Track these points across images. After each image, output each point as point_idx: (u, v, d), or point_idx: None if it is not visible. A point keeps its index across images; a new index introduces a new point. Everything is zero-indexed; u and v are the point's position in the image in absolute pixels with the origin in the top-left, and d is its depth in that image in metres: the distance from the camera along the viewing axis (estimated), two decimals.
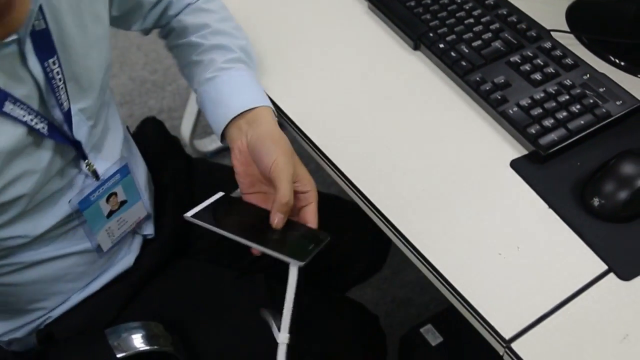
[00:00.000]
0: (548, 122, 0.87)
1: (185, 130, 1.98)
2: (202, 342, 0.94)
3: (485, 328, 0.72)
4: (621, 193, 0.79)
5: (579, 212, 0.81)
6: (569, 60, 0.94)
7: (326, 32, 1.06)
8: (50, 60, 0.71)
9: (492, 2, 1.03)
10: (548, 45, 0.97)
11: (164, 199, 1.01)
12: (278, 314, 0.78)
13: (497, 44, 0.98)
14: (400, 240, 0.81)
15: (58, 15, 0.72)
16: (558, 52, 0.96)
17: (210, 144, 2.05)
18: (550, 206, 0.82)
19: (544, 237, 0.79)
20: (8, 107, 0.67)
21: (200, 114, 1.91)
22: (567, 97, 0.89)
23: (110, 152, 0.88)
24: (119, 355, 0.85)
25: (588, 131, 0.87)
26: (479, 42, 0.98)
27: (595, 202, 0.80)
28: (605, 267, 0.76)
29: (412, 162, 0.87)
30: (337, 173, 0.88)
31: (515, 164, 0.86)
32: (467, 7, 1.03)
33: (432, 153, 0.88)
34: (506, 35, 0.99)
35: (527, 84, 0.92)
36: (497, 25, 1.00)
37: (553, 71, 0.93)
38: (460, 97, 0.95)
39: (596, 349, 0.70)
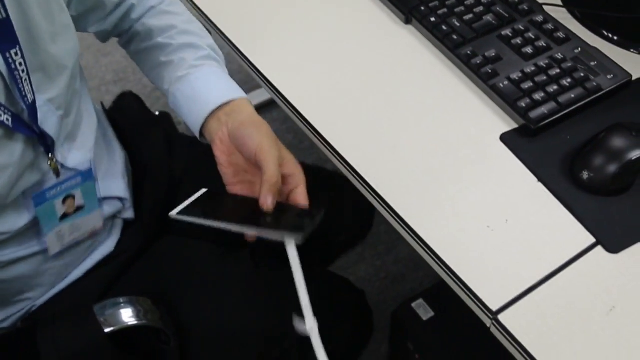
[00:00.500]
0: (538, 96, 0.86)
1: None
2: (189, 317, 0.94)
3: (473, 300, 0.73)
4: (610, 166, 0.79)
5: (568, 185, 0.81)
6: (560, 34, 0.94)
7: (316, 7, 1.05)
8: (12, 51, 0.69)
9: None
10: (540, 19, 0.96)
11: (143, 179, 1.00)
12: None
13: (488, 17, 0.97)
14: (389, 213, 0.81)
15: (24, 6, 0.71)
16: (550, 26, 0.95)
17: None
18: (540, 180, 0.82)
19: (533, 211, 0.79)
20: None
21: None
22: (558, 70, 0.89)
23: (84, 142, 0.86)
24: (106, 330, 0.85)
25: (578, 105, 0.86)
26: (471, 15, 0.97)
27: (585, 175, 0.80)
28: (593, 240, 0.76)
29: (402, 136, 0.87)
30: (328, 148, 0.87)
31: (505, 138, 0.86)
32: None
33: (422, 127, 0.88)
34: (498, 8, 0.98)
35: (518, 58, 0.92)
36: None
37: (544, 45, 0.93)
38: (451, 71, 0.94)
39: (583, 321, 0.70)
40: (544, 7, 1.00)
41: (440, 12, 0.98)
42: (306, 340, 0.99)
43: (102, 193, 0.89)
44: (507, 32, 0.95)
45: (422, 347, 1.10)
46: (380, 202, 0.82)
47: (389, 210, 0.81)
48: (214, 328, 0.94)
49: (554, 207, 0.79)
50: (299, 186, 0.81)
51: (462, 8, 0.98)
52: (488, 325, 0.72)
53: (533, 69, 0.89)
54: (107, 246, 0.94)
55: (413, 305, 1.14)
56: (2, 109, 0.70)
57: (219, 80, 0.90)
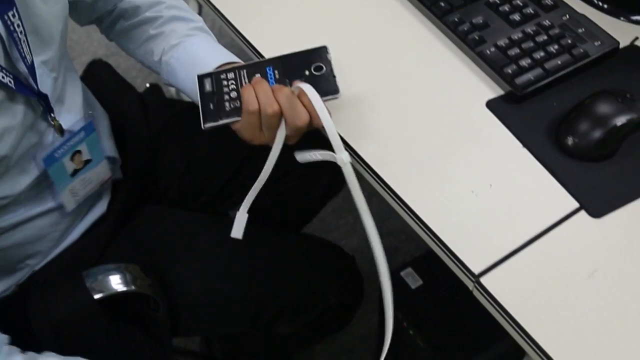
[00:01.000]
0: (525, 62, 0.86)
1: None
2: (179, 284, 0.94)
3: (455, 263, 0.73)
4: (595, 132, 0.79)
5: (553, 151, 0.81)
6: (548, 1, 0.93)
7: None
8: (10, 13, 0.70)
9: None
10: None
11: (125, 140, 1.01)
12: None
13: None
14: (374, 178, 0.81)
15: None
16: None
17: None
18: (525, 145, 0.82)
19: (517, 176, 0.79)
20: None
21: None
22: (545, 37, 0.89)
23: (73, 104, 0.86)
24: (96, 297, 0.85)
25: (565, 71, 0.86)
26: None
27: (569, 141, 0.80)
28: (576, 204, 0.77)
29: (388, 102, 0.87)
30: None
31: (491, 104, 0.86)
32: None
33: (408, 93, 0.88)
34: None
35: (505, 25, 0.92)
36: None
37: (532, 12, 0.92)
38: (438, 38, 0.94)
39: (565, 284, 0.71)
40: None
41: None
42: (296, 303, 1.00)
43: None
44: None
45: (410, 315, 1.10)
46: (364, 165, 0.82)
47: (370, 173, 0.81)
48: (203, 294, 0.95)
49: (539, 172, 0.80)
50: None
51: None
52: (470, 288, 0.73)
53: (520, 35, 0.89)
54: (100, 207, 0.95)
55: (402, 274, 1.14)
56: (4, 71, 0.70)
57: (215, 46, 0.90)
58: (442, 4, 0.94)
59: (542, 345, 0.67)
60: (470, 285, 0.73)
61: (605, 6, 0.98)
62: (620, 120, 0.79)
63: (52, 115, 0.80)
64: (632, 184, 0.79)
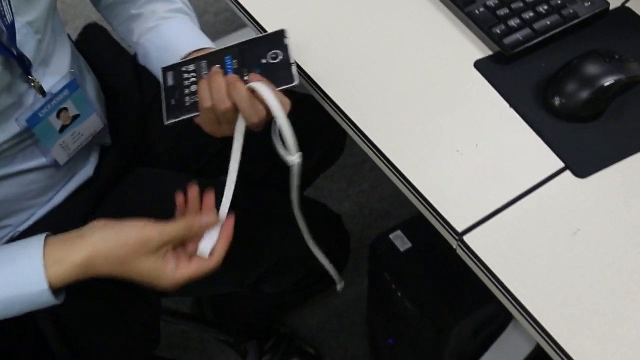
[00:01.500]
0: (514, 22, 0.86)
1: None
2: None
3: (440, 222, 0.73)
4: (582, 92, 0.79)
5: (540, 111, 0.81)
6: None
7: None
8: None
9: None
10: None
11: (116, 106, 1.00)
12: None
13: None
14: (360, 137, 0.81)
15: None
16: None
17: None
18: (512, 106, 0.82)
19: (503, 136, 0.79)
20: None
21: None
22: None
23: (59, 67, 0.86)
24: None
25: (554, 32, 0.86)
26: None
27: (557, 101, 0.80)
28: (562, 164, 0.77)
29: (375, 61, 0.87)
30: (308, 81, 0.87)
31: (479, 65, 0.86)
32: None
33: (396, 53, 0.88)
34: None
35: None
36: None
37: None
38: None
39: (548, 242, 0.71)
40: None
41: None
42: (282, 264, 1.01)
43: None
44: None
45: (398, 278, 1.11)
46: (350, 124, 0.82)
47: (356, 132, 0.81)
48: None
49: (525, 132, 0.80)
50: None
51: None
52: (454, 247, 0.73)
53: None
54: (87, 171, 0.95)
55: (391, 237, 1.14)
56: None
57: (190, 31, 0.90)
58: None
59: (524, 302, 0.67)
60: (454, 243, 0.73)
61: None
62: (607, 81, 0.79)
63: (32, 77, 0.79)
64: (617, 145, 0.79)
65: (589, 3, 0.88)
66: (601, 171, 0.77)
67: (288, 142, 0.75)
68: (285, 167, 0.96)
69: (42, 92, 0.81)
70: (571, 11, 0.87)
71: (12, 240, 0.91)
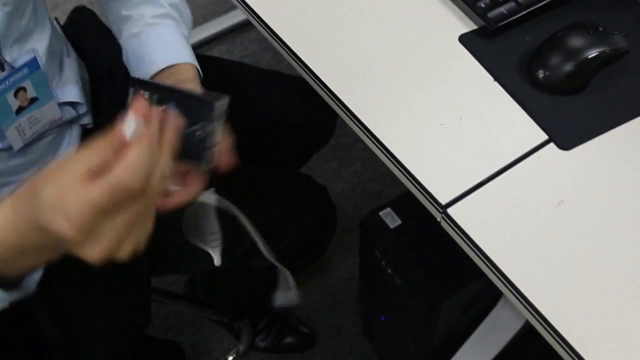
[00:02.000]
0: None
1: None
2: (155, 231, 0.94)
3: (424, 195, 0.74)
4: (566, 65, 0.79)
5: (523, 84, 0.81)
6: None
7: None
8: None
9: None
10: None
11: (101, 88, 1.00)
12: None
13: None
14: (345, 113, 0.81)
15: None
16: None
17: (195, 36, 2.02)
18: (496, 79, 0.82)
19: (487, 109, 0.79)
20: None
21: None
22: None
23: (35, 46, 0.84)
24: None
25: (538, 5, 0.86)
26: None
27: (540, 74, 0.80)
28: (545, 137, 0.77)
29: (359, 36, 0.87)
30: (284, 48, 0.87)
31: (463, 39, 0.86)
32: None
33: (380, 27, 0.88)
34: None
35: None
36: None
37: None
38: None
39: (531, 213, 0.72)
40: None
41: None
42: (269, 235, 1.01)
43: (59, 99, 0.89)
44: None
45: (388, 254, 1.11)
46: (334, 99, 0.82)
47: (341, 107, 0.81)
48: (176, 237, 0.95)
49: (509, 105, 0.80)
50: None
51: None
52: (438, 220, 0.74)
53: None
54: (68, 153, 0.94)
55: (381, 214, 1.15)
56: None
57: (169, 42, 0.89)
58: None
59: (507, 274, 0.68)
60: (438, 216, 0.73)
61: None
62: (591, 53, 0.79)
63: None
64: (601, 117, 0.79)
65: None
66: (584, 143, 0.77)
67: None
68: (275, 152, 0.96)
69: (1, 66, 0.79)
70: None
71: None
